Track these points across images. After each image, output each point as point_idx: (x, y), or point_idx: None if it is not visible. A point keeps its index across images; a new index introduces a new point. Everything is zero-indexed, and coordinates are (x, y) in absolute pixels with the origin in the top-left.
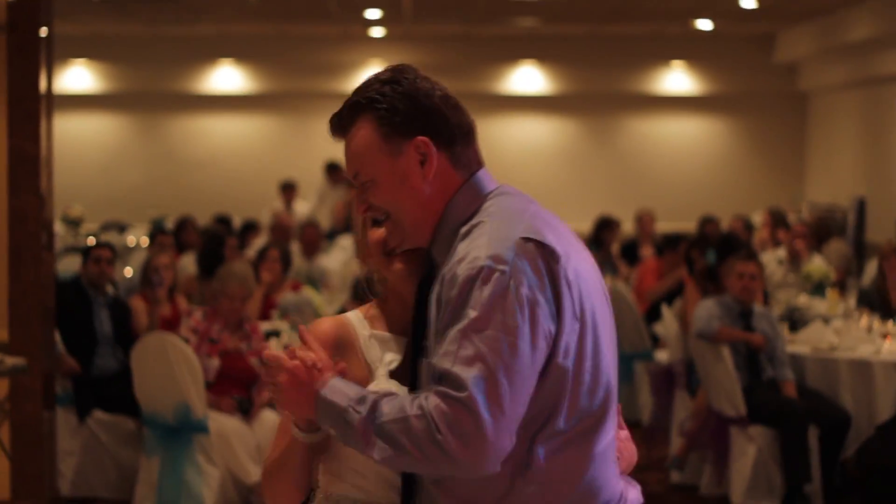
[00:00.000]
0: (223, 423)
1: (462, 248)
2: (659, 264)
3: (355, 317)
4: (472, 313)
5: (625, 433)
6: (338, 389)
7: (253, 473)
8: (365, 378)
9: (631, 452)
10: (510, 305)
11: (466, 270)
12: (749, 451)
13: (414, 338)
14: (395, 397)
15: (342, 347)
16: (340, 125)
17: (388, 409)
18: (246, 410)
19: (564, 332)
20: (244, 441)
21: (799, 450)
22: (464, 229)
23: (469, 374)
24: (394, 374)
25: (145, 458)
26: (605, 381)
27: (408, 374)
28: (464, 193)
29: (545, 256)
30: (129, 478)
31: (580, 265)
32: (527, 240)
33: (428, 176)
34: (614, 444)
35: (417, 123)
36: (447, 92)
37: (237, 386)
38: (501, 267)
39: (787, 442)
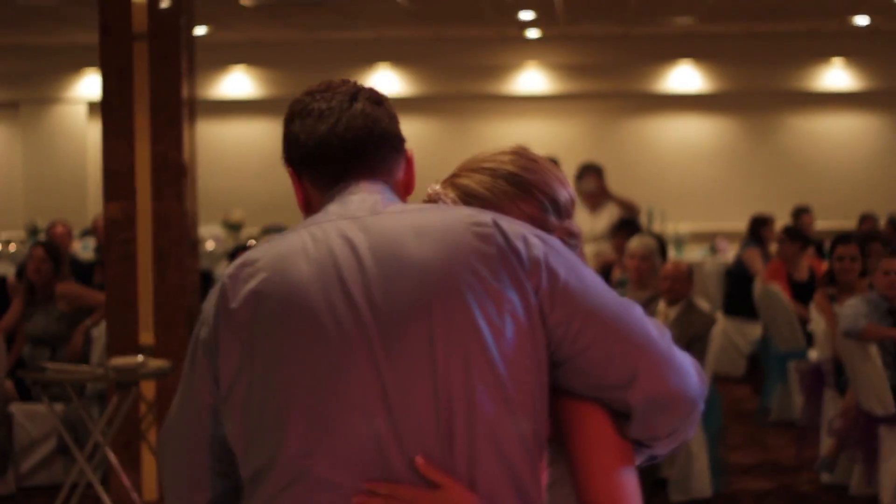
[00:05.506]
0: None
1: None
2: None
3: None
4: None
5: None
6: None
7: None
8: None
9: None
10: (191, 347)
11: None
12: None
13: None
14: None
15: None
16: None
17: None
18: None
19: (222, 375)
20: None
21: None
22: None
23: None
24: None
25: None
26: (275, 440)
27: None
28: None
29: (220, 291)
30: None
31: (293, 306)
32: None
33: (300, 204)
34: None
35: (285, 152)
36: (311, 104)
37: None
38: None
39: None
